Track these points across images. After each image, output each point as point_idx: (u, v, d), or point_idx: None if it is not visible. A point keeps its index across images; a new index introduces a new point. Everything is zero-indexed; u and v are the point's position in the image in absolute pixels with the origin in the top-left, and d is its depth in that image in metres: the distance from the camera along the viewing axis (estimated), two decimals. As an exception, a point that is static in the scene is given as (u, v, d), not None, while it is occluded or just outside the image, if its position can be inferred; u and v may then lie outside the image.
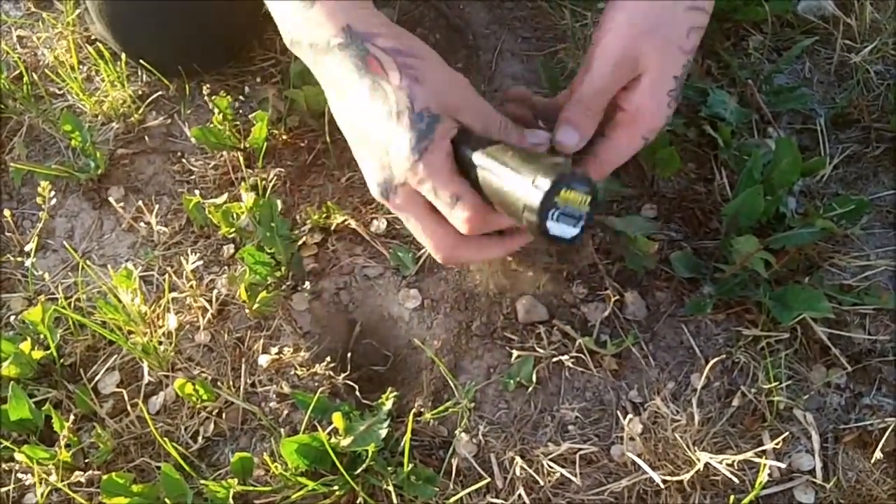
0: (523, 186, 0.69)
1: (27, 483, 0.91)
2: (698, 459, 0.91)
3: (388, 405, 0.94)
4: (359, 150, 0.81)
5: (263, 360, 1.00)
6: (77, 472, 0.89)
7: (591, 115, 0.83)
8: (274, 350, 1.02)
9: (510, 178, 0.71)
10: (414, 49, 0.78)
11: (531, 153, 0.74)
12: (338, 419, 0.90)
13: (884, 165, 1.17)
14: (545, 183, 0.67)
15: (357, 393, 0.98)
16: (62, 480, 0.90)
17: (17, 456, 0.90)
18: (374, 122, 0.77)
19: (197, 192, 1.15)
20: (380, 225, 1.10)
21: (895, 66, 1.25)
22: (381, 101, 0.76)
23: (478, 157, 0.75)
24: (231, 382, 1.00)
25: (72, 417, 0.94)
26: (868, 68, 1.24)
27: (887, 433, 0.94)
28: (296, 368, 1.00)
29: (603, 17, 0.83)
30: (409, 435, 0.88)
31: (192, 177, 1.18)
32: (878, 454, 0.93)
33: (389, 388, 0.96)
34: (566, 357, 0.99)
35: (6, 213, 1.12)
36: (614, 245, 1.07)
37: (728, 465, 0.90)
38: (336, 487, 0.90)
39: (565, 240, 0.71)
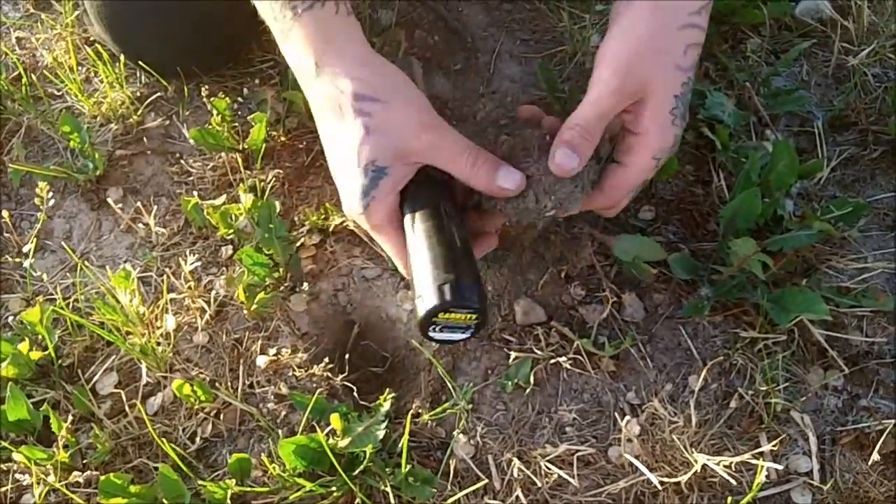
0: (417, 288, 0.75)
1: (25, 483, 0.91)
2: (696, 461, 0.91)
3: (386, 406, 0.94)
4: (333, 173, 0.86)
5: (261, 361, 1.00)
6: (75, 473, 0.89)
7: (590, 139, 0.83)
8: (272, 351, 1.02)
9: (416, 269, 0.77)
10: (378, 90, 0.79)
11: (444, 253, 0.76)
12: (336, 420, 0.90)
13: (881, 168, 1.17)
14: (425, 306, 0.73)
15: (355, 394, 0.98)
16: (60, 481, 0.90)
17: (15, 456, 0.90)
18: (339, 159, 0.83)
19: (195, 193, 1.15)
20: (378, 226, 1.10)
21: (893, 68, 1.26)
22: (343, 142, 0.81)
23: (413, 223, 0.80)
24: (229, 383, 1.00)
25: (70, 418, 0.94)
26: (865, 71, 1.24)
27: (884, 435, 0.94)
28: (294, 369, 1.00)
29: (603, 41, 0.84)
30: (406, 436, 0.88)
31: (191, 178, 1.18)
32: (875, 456, 0.93)
33: (387, 390, 0.96)
34: (564, 359, 0.99)
35: (4, 213, 1.12)
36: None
37: (725, 466, 0.91)
38: (334, 488, 0.90)
39: (454, 341, 0.78)
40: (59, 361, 1.02)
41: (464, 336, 0.77)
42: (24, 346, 0.99)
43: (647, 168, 0.87)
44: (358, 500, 0.89)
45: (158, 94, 1.25)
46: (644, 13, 0.82)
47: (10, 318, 1.07)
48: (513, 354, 0.99)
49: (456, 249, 0.77)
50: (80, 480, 0.90)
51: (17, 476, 0.90)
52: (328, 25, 0.81)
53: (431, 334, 0.76)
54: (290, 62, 0.85)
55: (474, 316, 0.74)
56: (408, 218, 0.82)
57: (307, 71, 0.82)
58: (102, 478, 0.87)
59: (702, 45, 0.85)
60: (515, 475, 0.93)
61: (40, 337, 1.01)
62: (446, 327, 0.75)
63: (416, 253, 0.78)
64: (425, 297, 0.73)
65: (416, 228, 0.80)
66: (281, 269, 1.07)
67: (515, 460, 0.94)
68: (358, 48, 0.82)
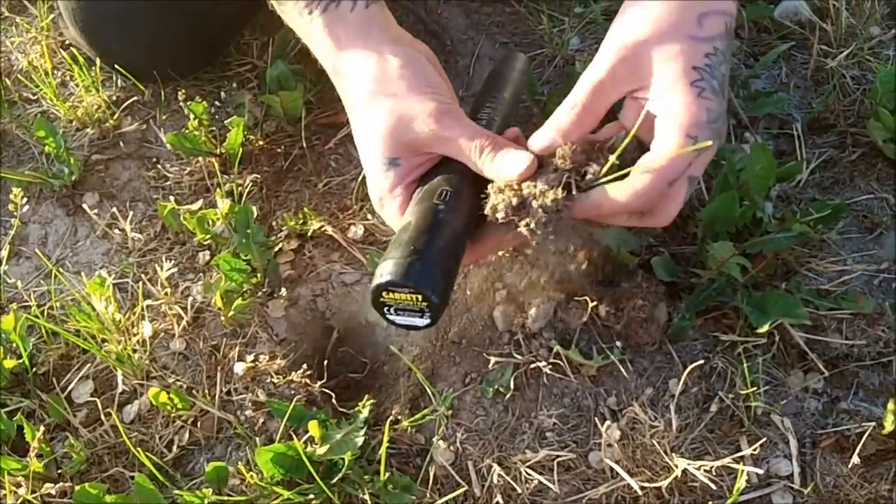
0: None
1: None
2: (676, 465, 0.91)
3: (365, 413, 0.93)
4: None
5: (239, 367, 0.99)
6: (47, 485, 0.88)
7: (576, 113, 0.79)
8: (250, 358, 1.01)
9: (386, 251, 0.76)
10: (388, 85, 0.80)
11: (414, 235, 0.75)
12: (314, 427, 0.89)
13: (860, 170, 1.17)
14: (372, 282, 0.73)
15: (334, 401, 0.97)
16: (32, 491, 0.88)
17: (-10, 466, 0.88)
18: (361, 156, 0.85)
19: (172, 198, 1.14)
20: (357, 231, 1.10)
21: (871, 71, 1.26)
22: (359, 138, 0.84)
23: (408, 212, 0.80)
24: (206, 391, 0.99)
25: (43, 427, 0.93)
26: (844, 73, 1.25)
27: (864, 438, 0.94)
28: (272, 376, 0.99)
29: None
30: (385, 443, 0.88)
31: (168, 183, 1.17)
32: (855, 459, 0.93)
33: (366, 396, 0.96)
34: (544, 363, 0.98)
35: (-22, 220, 1.11)
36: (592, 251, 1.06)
37: (706, 471, 0.90)
38: (312, 496, 0.89)
39: (418, 327, 0.77)
40: (34, 370, 1.01)
41: (422, 322, 0.76)
42: (-3, 355, 0.97)
43: (683, 145, 0.75)
44: (336, 507, 0.89)
45: (135, 98, 1.24)
46: None
47: (-16, 326, 1.05)
48: (493, 360, 0.99)
49: (432, 233, 0.76)
50: (53, 492, 0.89)
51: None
52: (342, 26, 0.83)
53: (388, 315, 0.75)
54: (317, 56, 0.87)
55: (421, 298, 0.72)
56: (411, 202, 0.81)
57: (329, 71, 0.86)
58: (78, 487, 0.86)
59: (728, 14, 0.79)
60: (495, 481, 0.92)
61: (14, 345, 1.00)
62: (400, 309, 0.75)
63: (398, 232, 0.78)
64: (376, 272, 0.73)
65: (409, 210, 0.80)
66: (259, 275, 1.06)
67: (495, 466, 0.93)
68: (372, 43, 0.83)
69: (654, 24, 0.78)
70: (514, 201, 0.77)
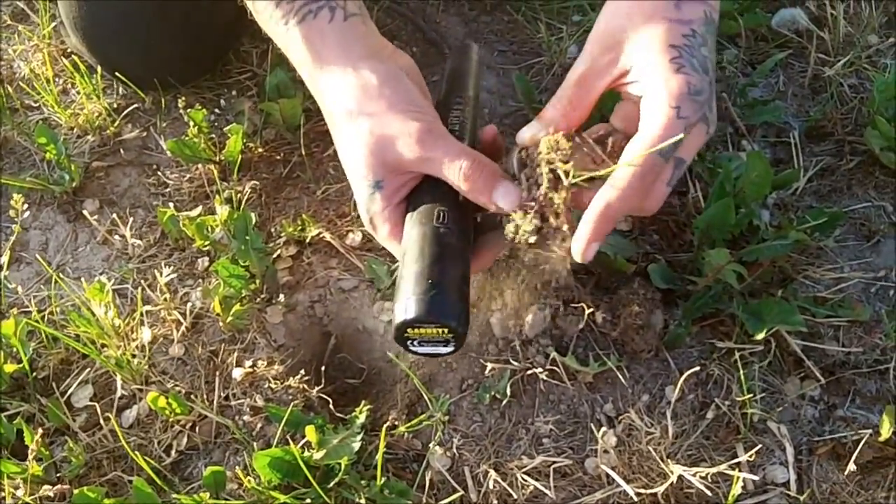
0: (395, 298, 0.73)
1: (-2, 497, 0.90)
2: (672, 472, 0.91)
3: (362, 418, 0.94)
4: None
5: (237, 373, 1.00)
6: (46, 487, 0.89)
7: (562, 106, 0.79)
8: (248, 363, 1.01)
9: (399, 277, 0.75)
10: (367, 104, 0.78)
11: (426, 265, 0.74)
12: (311, 432, 0.89)
13: (857, 178, 1.18)
14: (396, 319, 0.72)
15: (331, 406, 0.98)
16: (31, 494, 0.89)
17: (-10, 469, 0.89)
18: (345, 171, 0.82)
19: (172, 204, 1.14)
20: (355, 238, 1.10)
21: (869, 79, 1.26)
22: (343, 155, 0.81)
23: (408, 228, 0.78)
24: (205, 396, 0.99)
25: (41, 431, 0.93)
26: (842, 82, 1.25)
27: (861, 445, 0.94)
28: (270, 382, 1.00)
29: None
30: (382, 448, 0.88)
31: (168, 189, 1.18)
32: (851, 466, 0.93)
33: (363, 402, 0.96)
34: (541, 370, 0.98)
35: (-21, 225, 1.12)
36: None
37: (702, 477, 0.91)
38: (309, 501, 0.89)
39: (441, 355, 0.76)
40: (34, 374, 1.01)
41: (446, 350, 0.75)
42: (-3, 359, 0.98)
43: (669, 122, 0.74)
44: (333, 513, 0.89)
45: (135, 105, 1.25)
46: None
47: (-16, 331, 1.06)
48: (489, 366, 0.99)
49: (443, 261, 0.75)
50: (51, 494, 0.89)
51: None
52: (319, 38, 0.80)
53: (411, 348, 0.75)
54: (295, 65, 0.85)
55: (446, 330, 0.72)
56: (406, 222, 0.80)
57: (307, 83, 0.83)
58: (76, 491, 0.86)
59: (706, 2, 0.79)
60: (492, 487, 0.93)
61: (15, 349, 1.00)
62: (424, 341, 0.74)
63: (403, 260, 0.76)
64: (397, 310, 0.72)
65: (408, 234, 0.78)
66: (257, 281, 1.06)
67: (492, 472, 0.93)
68: (352, 57, 0.80)
69: (632, 11, 0.78)
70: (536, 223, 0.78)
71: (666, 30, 0.77)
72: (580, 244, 0.77)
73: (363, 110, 0.78)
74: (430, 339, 0.73)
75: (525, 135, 0.80)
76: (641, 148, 0.74)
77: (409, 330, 0.72)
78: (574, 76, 0.80)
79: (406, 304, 0.71)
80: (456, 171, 0.76)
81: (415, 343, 0.74)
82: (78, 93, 1.25)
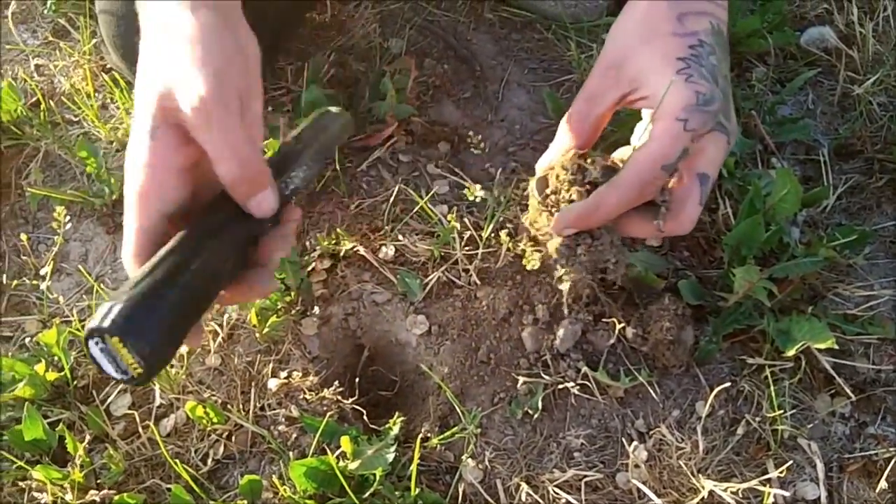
0: (112, 296, 0.64)
1: (43, 502, 0.92)
2: (703, 487, 0.92)
3: (396, 430, 0.95)
4: None
5: (273, 383, 1.02)
6: (91, 492, 0.91)
7: (570, 126, 0.82)
8: (283, 374, 1.03)
9: (133, 276, 0.66)
10: (179, 43, 0.67)
11: (154, 282, 0.63)
12: (346, 443, 0.91)
13: (887, 196, 1.18)
14: (92, 320, 0.62)
15: (364, 417, 0.99)
16: (77, 500, 0.91)
17: (35, 474, 0.91)
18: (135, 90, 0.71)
19: (209, 217, 1.16)
20: (388, 251, 1.12)
21: (898, 97, 1.27)
22: (137, 87, 0.70)
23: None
24: (241, 406, 1.01)
25: (88, 437, 0.95)
26: (871, 100, 1.26)
27: (892, 463, 0.94)
28: (304, 392, 1.01)
29: None
30: (416, 460, 0.89)
31: (205, 203, 1.20)
32: (882, 484, 0.93)
33: (397, 413, 0.97)
34: (572, 384, 0.99)
35: (23, 237, 1.14)
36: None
37: (732, 493, 0.91)
38: (343, 511, 0.91)
39: (103, 370, 0.64)
40: (75, 382, 1.03)
41: (116, 375, 0.63)
42: (40, 368, 1.00)
43: (674, 132, 0.75)
44: (367, 522, 0.90)
45: (173, 120, 1.27)
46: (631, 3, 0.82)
47: (27, 340, 1.08)
48: (521, 379, 1.00)
49: (173, 283, 0.64)
50: (97, 499, 0.91)
51: (35, 494, 0.91)
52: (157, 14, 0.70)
53: (89, 344, 0.63)
54: None
55: (138, 366, 0.62)
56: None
57: None
58: (116, 498, 0.88)
59: (711, 14, 0.80)
60: (524, 500, 0.94)
61: (56, 358, 1.03)
62: (107, 351, 0.62)
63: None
64: (102, 308, 0.62)
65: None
66: (293, 293, 1.08)
67: (524, 485, 0.94)
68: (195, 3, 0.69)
69: (636, 28, 0.80)
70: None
71: (671, 43, 0.78)
72: (558, 225, 0.80)
73: (172, 51, 0.67)
74: (116, 357, 0.63)
75: (542, 163, 0.82)
76: (645, 159, 0.76)
77: (104, 336, 0.62)
78: (582, 94, 0.82)
79: (112, 310, 0.62)
80: (229, 154, 0.67)
81: (97, 345, 0.63)
82: (117, 108, 1.28)
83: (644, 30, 0.80)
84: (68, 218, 1.13)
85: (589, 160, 0.83)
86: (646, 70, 0.79)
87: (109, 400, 1.03)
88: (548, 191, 0.85)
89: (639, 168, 0.77)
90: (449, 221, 1.08)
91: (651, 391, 1.00)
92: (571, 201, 0.82)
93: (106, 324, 0.61)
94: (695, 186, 0.79)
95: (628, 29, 0.81)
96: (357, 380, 1.04)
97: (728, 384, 0.99)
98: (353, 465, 0.90)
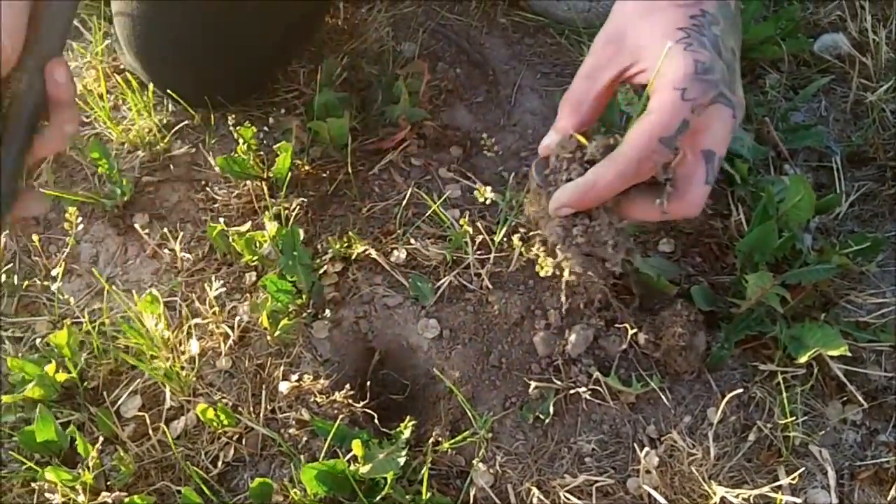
0: None
1: (54, 502, 0.92)
2: (714, 493, 0.92)
3: (407, 434, 0.95)
4: None
5: (284, 386, 1.01)
6: (104, 494, 0.90)
7: (570, 104, 0.79)
8: (294, 377, 1.03)
9: None
10: None
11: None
12: (357, 446, 0.91)
13: (900, 203, 1.18)
14: None
15: (375, 421, 0.99)
16: (88, 502, 0.91)
17: (47, 475, 0.91)
18: None
19: (221, 220, 1.16)
20: (400, 255, 1.12)
21: (910, 105, 1.27)
22: None
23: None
24: (251, 408, 1.01)
25: (101, 440, 0.95)
26: (884, 107, 1.26)
27: (903, 470, 0.94)
28: (315, 395, 1.01)
29: None
30: (427, 464, 0.89)
31: (216, 205, 1.20)
32: (893, 492, 0.93)
33: (408, 417, 0.97)
34: (583, 389, 0.99)
35: (34, 237, 1.15)
36: (630, 278, 1.08)
37: (744, 499, 0.91)
38: (354, 515, 0.90)
39: None
40: (85, 384, 1.04)
41: None
42: (50, 368, 1.00)
43: (674, 106, 0.71)
44: (378, 526, 0.90)
45: (185, 122, 1.28)
46: None
47: (38, 341, 1.08)
48: (532, 384, 1.00)
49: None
50: (108, 501, 0.91)
51: (47, 495, 0.91)
52: None
53: None
54: None
55: None
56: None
57: None
58: (126, 500, 0.88)
59: None
60: (534, 505, 0.94)
61: (66, 359, 1.03)
62: None
63: None
64: None
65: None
66: (304, 296, 1.08)
67: (534, 490, 0.94)
68: None
69: (636, 4, 0.77)
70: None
71: (671, 14, 0.75)
72: (555, 203, 0.78)
73: None
74: None
75: (545, 143, 0.80)
76: (642, 132, 0.71)
77: None
78: (581, 71, 0.79)
79: None
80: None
81: None
82: (129, 109, 1.28)
83: (645, 4, 0.77)
84: (79, 219, 1.13)
85: (589, 140, 0.81)
86: (645, 41, 0.75)
87: (120, 402, 1.03)
88: (546, 171, 0.82)
89: (636, 141, 0.72)
90: (461, 225, 1.08)
91: (663, 397, 1.00)
92: (570, 181, 0.78)
93: None
94: (700, 164, 0.74)
95: (628, 5, 0.78)
96: (368, 383, 1.04)
97: (740, 390, 0.99)
98: (364, 469, 0.90)
